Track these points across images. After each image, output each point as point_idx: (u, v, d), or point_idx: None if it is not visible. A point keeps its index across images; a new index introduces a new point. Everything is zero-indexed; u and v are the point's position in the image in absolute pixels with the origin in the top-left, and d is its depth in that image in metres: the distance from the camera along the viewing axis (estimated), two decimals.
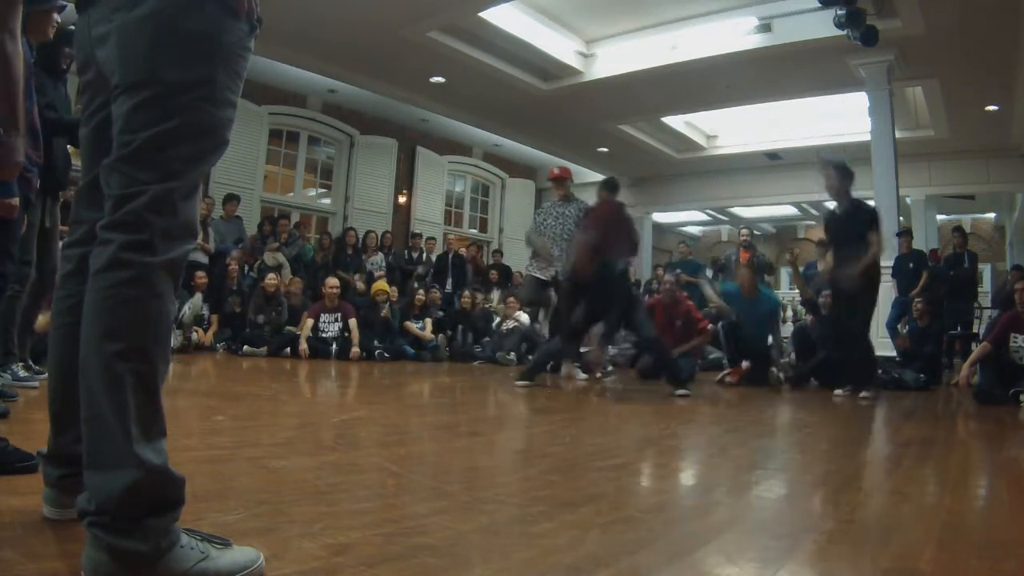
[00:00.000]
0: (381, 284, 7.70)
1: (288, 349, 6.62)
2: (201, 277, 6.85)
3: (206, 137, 1.06)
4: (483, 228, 13.33)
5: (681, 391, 4.47)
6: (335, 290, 7.04)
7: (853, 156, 9.76)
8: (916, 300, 6.88)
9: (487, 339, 8.03)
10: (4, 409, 2.26)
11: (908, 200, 10.96)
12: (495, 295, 9.47)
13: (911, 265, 7.71)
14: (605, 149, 11.99)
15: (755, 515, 1.69)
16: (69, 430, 1.15)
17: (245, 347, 6.59)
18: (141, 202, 0.99)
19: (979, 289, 9.99)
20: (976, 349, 5.54)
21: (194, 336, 6.43)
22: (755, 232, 8.26)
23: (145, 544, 0.93)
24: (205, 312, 6.81)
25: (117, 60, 1.04)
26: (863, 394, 4.72)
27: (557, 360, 5.61)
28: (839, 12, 6.56)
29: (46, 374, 2.62)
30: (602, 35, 8.87)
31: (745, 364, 5.86)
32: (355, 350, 6.67)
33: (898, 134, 8.25)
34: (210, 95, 1.05)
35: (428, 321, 7.87)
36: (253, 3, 1.09)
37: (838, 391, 4.99)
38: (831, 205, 5.29)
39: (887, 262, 7.86)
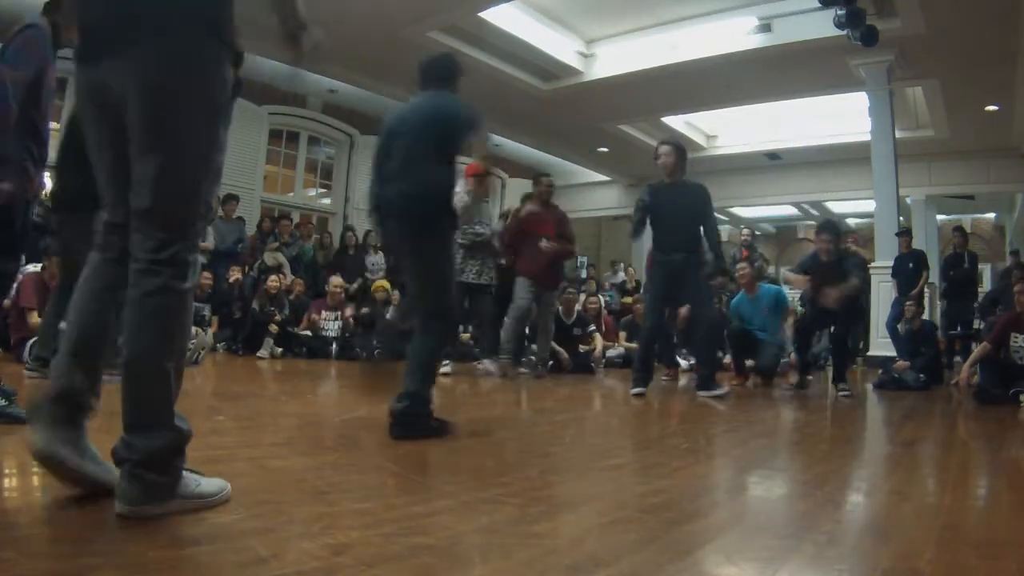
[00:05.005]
0: (381, 282, 7.70)
1: (276, 347, 6.56)
2: (206, 279, 6.85)
3: (213, 181, 1.39)
4: None
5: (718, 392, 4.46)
6: (339, 289, 7.05)
7: (853, 156, 9.85)
8: (908, 303, 6.86)
9: None
10: None
11: (908, 200, 10.96)
12: None
13: (910, 265, 7.69)
14: (605, 149, 12.00)
15: (755, 515, 1.69)
16: (88, 376, 1.40)
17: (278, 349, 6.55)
18: (181, 246, 1.33)
19: (979, 289, 9.98)
20: (976, 349, 5.54)
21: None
22: (756, 232, 8.31)
23: (169, 477, 1.32)
24: (206, 313, 6.81)
25: (139, 124, 1.29)
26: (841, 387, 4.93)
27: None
28: (839, 12, 6.56)
29: None
30: (602, 35, 8.87)
31: (749, 363, 5.87)
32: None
33: (898, 134, 8.25)
34: (216, 146, 1.36)
35: None
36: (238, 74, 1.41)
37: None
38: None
39: (887, 262, 7.87)
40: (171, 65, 1.28)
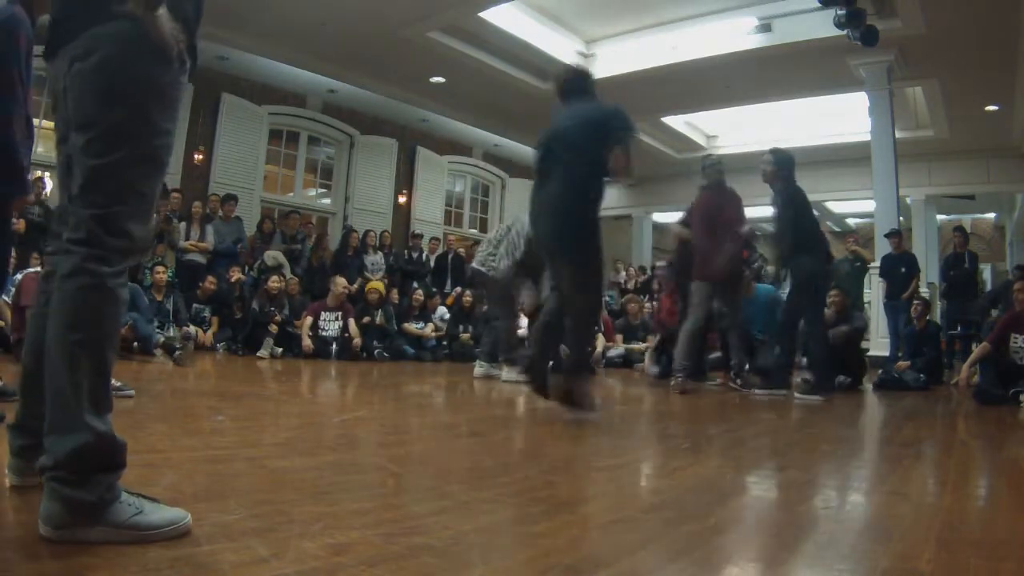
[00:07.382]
0: (375, 284, 7.71)
1: (276, 347, 6.57)
2: (211, 283, 6.85)
3: (146, 164, 1.26)
4: (483, 228, 13.32)
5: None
6: (344, 290, 7.06)
7: (853, 156, 9.83)
8: (915, 303, 6.82)
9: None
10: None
11: (908, 200, 10.96)
12: None
13: (903, 269, 7.54)
14: None
15: (755, 515, 1.69)
16: (38, 405, 1.30)
17: (279, 349, 6.54)
18: (97, 224, 1.21)
19: (979, 289, 9.97)
20: (976, 349, 5.54)
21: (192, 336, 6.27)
22: (756, 232, 8.31)
23: (91, 495, 1.14)
24: (207, 314, 6.81)
25: (73, 103, 1.25)
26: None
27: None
28: (839, 12, 6.57)
29: None
30: (602, 35, 8.88)
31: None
32: (356, 341, 6.70)
33: (898, 134, 8.26)
34: (147, 127, 1.24)
35: (430, 325, 7.91)
36: (180, 46, 1.26)
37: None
38: None
39: (874, 262, 7.83)
40: (91, 49, 1.22)
